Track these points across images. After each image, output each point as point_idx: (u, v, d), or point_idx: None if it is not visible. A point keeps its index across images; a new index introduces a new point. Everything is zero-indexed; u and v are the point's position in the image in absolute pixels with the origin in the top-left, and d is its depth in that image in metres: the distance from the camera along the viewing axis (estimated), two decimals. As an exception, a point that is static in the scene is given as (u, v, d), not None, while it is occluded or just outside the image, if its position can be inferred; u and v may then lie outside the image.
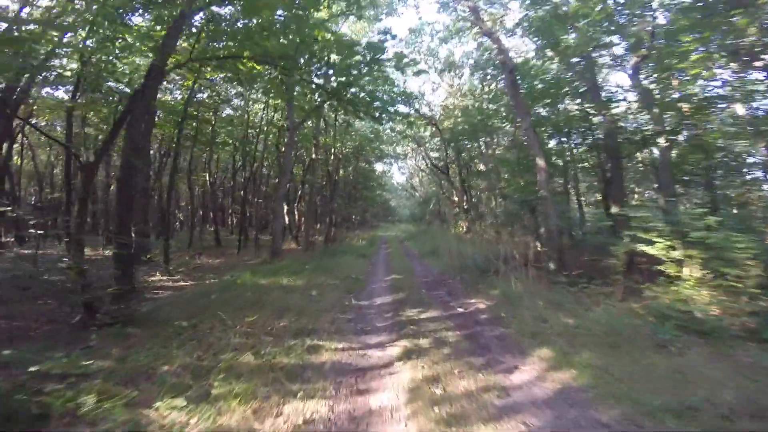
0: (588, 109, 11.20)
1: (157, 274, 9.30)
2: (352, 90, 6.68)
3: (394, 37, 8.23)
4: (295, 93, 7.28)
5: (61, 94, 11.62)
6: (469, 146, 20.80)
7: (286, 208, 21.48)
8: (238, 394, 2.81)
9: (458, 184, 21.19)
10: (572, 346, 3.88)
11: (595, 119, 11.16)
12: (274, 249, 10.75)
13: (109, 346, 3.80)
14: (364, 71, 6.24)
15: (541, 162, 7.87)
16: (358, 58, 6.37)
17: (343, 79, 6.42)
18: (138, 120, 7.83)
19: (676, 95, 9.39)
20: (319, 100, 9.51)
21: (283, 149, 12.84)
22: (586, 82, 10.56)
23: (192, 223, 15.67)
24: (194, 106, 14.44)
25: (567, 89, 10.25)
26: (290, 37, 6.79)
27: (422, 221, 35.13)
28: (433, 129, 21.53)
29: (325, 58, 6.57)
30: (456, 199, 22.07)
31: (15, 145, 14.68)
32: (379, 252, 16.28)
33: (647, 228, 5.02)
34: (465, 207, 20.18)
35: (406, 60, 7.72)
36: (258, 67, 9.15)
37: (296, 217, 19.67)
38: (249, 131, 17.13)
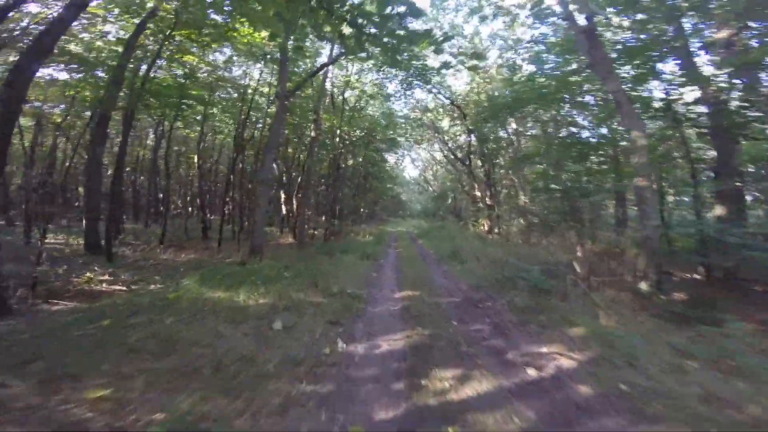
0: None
1: (92, 273, 6.97)
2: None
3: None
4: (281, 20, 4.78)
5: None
6: (492, 137, 18.11)
7: (284, 196, 19.18)
8: None
9: (482, 177, 18.50)
10: None
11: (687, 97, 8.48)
12: (253, 245, 8.36)
13: None
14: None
15: (641, 139, 5.20)
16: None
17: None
18: (34, 62, 5.46)
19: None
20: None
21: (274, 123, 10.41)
22: (675, 52, 7.92)
23: (166, 211, 13.38)
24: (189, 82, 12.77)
25: (662, 50, 7.55)
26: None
27: (435, 217, 32.52)
28: (455, 115, 18.87)
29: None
30: (478, 194, 19.37)
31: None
32: (388, 252, 13.73)
33: None
34: (489, 203, 17.49)
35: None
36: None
37: (295, 207, 17.31)
38: (250, 114, 14.89)
